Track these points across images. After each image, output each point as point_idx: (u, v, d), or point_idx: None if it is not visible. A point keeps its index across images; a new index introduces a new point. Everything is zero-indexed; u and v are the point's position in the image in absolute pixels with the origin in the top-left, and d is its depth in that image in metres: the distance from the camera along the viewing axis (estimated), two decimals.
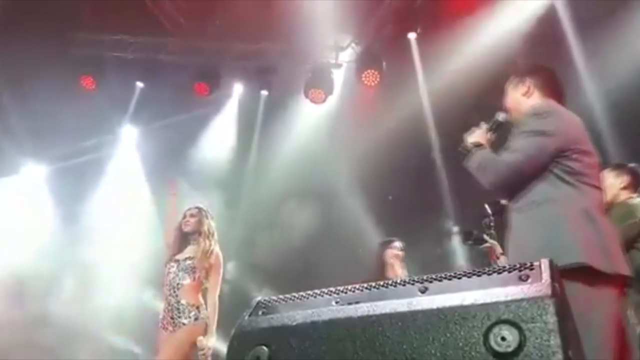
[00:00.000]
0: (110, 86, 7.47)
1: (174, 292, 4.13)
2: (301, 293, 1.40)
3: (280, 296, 1.42)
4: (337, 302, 1.26)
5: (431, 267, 5.81)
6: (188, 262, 4.20)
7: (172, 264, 4.26)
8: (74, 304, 7.01)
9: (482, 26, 6.45)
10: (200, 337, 3.99)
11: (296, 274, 6.61)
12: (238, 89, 7.98)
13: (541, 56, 6.25)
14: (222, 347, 5.50)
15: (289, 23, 6.76)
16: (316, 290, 1.36)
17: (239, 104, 7.93)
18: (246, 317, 1.39)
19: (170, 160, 7.21)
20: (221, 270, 4.24)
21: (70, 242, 7.35)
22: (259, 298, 1.47)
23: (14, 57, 6.88)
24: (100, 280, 7.16)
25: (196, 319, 4.04)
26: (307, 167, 7.19)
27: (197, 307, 4.10)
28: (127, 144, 8.12)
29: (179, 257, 4.28)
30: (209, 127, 7.93)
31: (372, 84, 7.32)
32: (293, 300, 1.38)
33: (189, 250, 4.29)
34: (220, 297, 4.17)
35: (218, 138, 7.85)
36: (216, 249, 4.27)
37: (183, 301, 4.09)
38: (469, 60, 6.57)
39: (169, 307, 4.12)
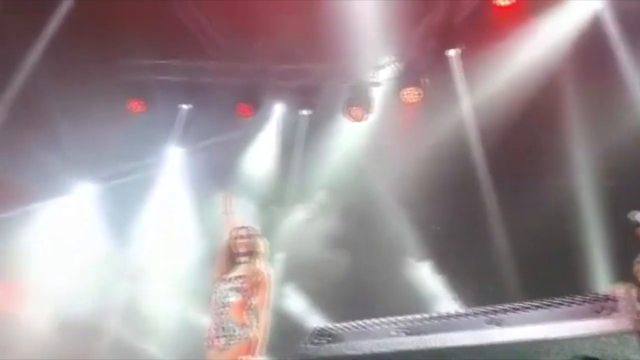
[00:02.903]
0: (157, 109, 7.70)
1: (222, 310, 4.15)
2: (364, 322, 1.41)
3: (341, 324, 1.43)
4: (402, 333, 1.26)
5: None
6: (239, 281, 4.20)
7: (221, 282, 4.28)
8: (124, 321, 7.15)
9: (524, 41, 6.38)
10: (242, 357, 3.98)
11: (341, 291, 6.58)
12: (279, 108, 8.09)
13: (585, 68, 6.13)
14: None
15: (329, 42, 6.85)
16: (380, 320, 1.36)
17: (281, 124, 8.03)
18: (307, 345, 1.40)
19: (214, 179, 7.32)
20: (271, 289, 4.22)
21: (119, 260, 7.52)
22: (316, 325, 1.48)
23: (68, 86, 7.18)
24: (148, 297, 7.29)
25: (241, 338, 4.06)
26: (349, 185, 7.20)
27: (243, 326, 4.10)
28: (173, 165, 8.29)
29: (228, 275, 4.29)
30: (252, 146, 8.04)
31: (413, 101, 7.31)
32: (355, 329, 1.39)
33: (240, 270, 4.29)
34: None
35: (261, 157, 7.95)
36: (266, 267, 4.27)
37: (231, 320, 4.10)
38: (511, 76, 6.50)
39: (216, 326, 4.14)
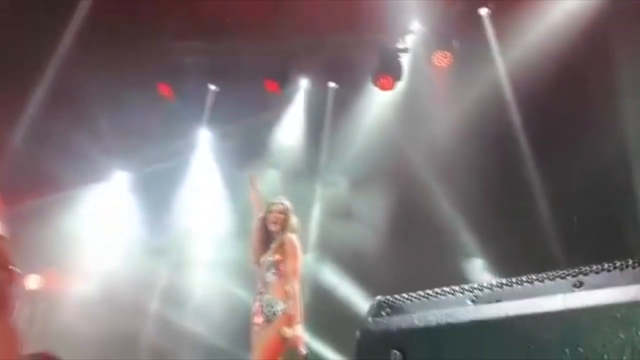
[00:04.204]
0: (186, 92, 7.70)
1: (263, 290, 4.17)
2: (432, 291, 1.33)
3: (407, 295, 1.36)
4: (473, 301, 1.18)
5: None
6: (275, 259, 4.22)
7: (260, 263, 4.29)
8: (167, 301, 7.29)
9: None
10: (284, 328, 4.00)
11: (375, 262, 6.51)
12: (306, 83, 7.97)
13: (626, 25, 5.82)
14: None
15: (353, 12, 6.66)
16: (449, 288, 1.29)
17: (309, 98, 7.92)
18: (370, 318, 1.34)
19: (245, 158, 7.32)
20: (298, 257, 4.20)
21: (158, 242, 7.64)
22: (379, 297, 1.42)
23: (100, 72, 7.24)
24: (188, 281, 7.40)
25: (283, 312, 4.05)
26: (381, 156, 7.08)
27: (284, 302, 4.11)
28: (205, 147, 8.31)
29: (265, 255, 4.30)
30: (281, 123, 7.97)
31: (443, 65, 7.11)
32: (422, 299, 1.32)
33: (275, 248, 4.31)
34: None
35: (290, 133, 7.88)
36: (295, 238, 4.27)
37: (272, 297, 4.11)
38: (546, 32, 6.22)
39: (259, 305, 4.16)
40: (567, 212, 5.85)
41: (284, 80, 7.48)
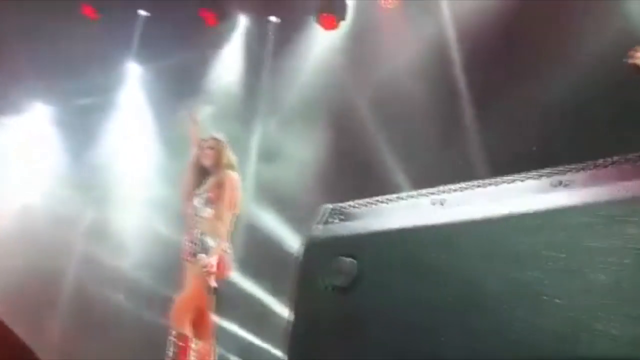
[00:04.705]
0: (112, 16, 7.10)
1: (194, 224, 4.02)
2: (394, 195, 1.17)
3: (361, 200, 1.19)
4: (436, 204, 1.03)
5: None
6: (207, 193, 4.08)
7: (191, 198, 4.14)
8: (93, 240, 6.97)
9: None
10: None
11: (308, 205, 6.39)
12: (245, 17, 7.51)
13: None
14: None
15: None
16: (414, 191, 1.13)
17: (248, 34, 7.50)
18: (319, 225, 1.17)
19: (178, 94, 6.88)
20: (236, 192, 4.11)
21: (82, 183, 7.20)
22: (329, 205, 1.24)
23: None
24: (116, 219, 7.07)
25: (215, 250, 3.99)
26: (320, 99, 6.87)
27: (217, 237, 4.01)
28: (133, 80, 7.77)
29: (198, 190, 4.15)
30: (217, 59, 7.52)
31: (390, 6, 6.90)
32: (381, 204, 1.15)
33: (208, 182, 4.16)
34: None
35: (227, 69, 7.46)
36: (232, 173, 4.13)
37: (204, 233, 3.95)
38: None
39: (190, 240, 4.02)
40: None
41: (220, 11, 7.00)
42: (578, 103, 5.56)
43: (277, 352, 5.86)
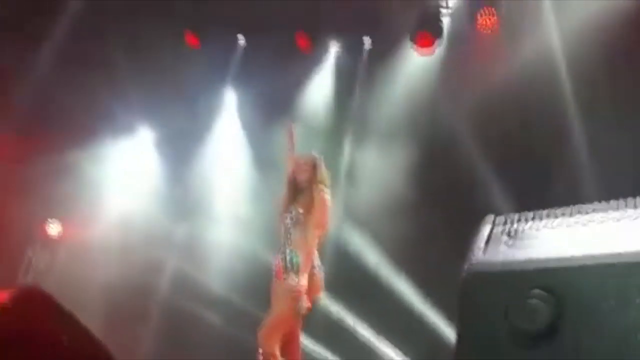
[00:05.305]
0: (212, 45, 7.41)
1: (287, 243, 3.94)
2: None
3: (534, 213, 1.00)
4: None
5: None
6: (299, 211, 4.01)
7: (286, 214, 4.09)
8: (185, 255, 7.16)
9: None
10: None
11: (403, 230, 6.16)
12: (338, 38, 7.53)
13: None
14: None
15: None
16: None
17: (341, 55, 7.52)
18: (481, 247, 0.97)
19: (272, 117, 7.00)
20: (325, 211, 4.01)
21: (177, 201, 7.46)
22: (500, 217, 1.05)
23: (123, 24, 7.03)
24: (208, 237, 7.23)
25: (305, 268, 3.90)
26: (414, 124, 6.70)
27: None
28: (230, 104, 8.02)
29: (290, 208, 4.09)
30: (310, 82, 7.60)
31: (488, 27, 6.65)
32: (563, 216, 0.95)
33: (301, 200, 4.10)
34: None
35: (320, 92, 7.52)
36: (324, 191, 4.05)
37: (292, 250, 3.92)
38: None
39: (282, 258, 3.96)
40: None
41: (314, 35, 7.10)
42: None
43: None
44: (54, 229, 7.61)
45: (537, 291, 0.90)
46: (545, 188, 5.67)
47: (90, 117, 7.29)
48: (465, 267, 1.00)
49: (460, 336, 1.00)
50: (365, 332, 5.84)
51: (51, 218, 7.60)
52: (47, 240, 7.57)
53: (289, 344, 3.95)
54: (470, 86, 6.66)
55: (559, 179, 5.84)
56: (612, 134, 5.57)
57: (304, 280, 3.87)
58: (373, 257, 6.09)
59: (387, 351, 5.89)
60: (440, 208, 6.14)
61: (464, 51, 6.90)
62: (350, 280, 5.98)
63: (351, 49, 7.44)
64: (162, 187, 7.73)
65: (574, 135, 5.90)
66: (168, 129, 7.89)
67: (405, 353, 5.82)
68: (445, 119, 6.59)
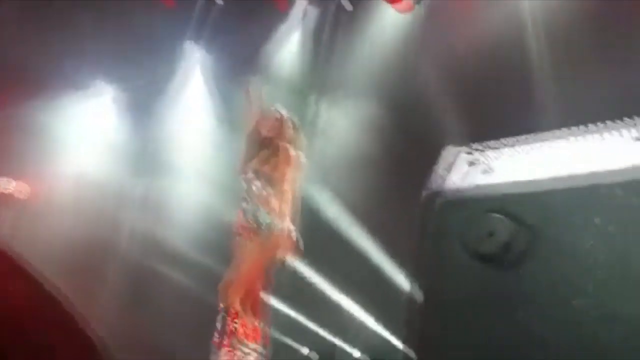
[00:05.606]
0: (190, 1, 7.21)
1: (248, 198, 3.85)
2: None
3: (498, 142, 0.97)
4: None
5: None
6: (264, 166, 3.91)
7: (246, 170, 3.98)
8: (144, 212, 7.05)
9: None
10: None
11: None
12: None
13: None
14: None
15: None
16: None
17: (314, 13, 7.33)
18: (452, 175, 0.94)
19: (241, 74, 6.81)
20: (292, 165, 3.90)
21: (139, 158, 7.33)
22: (460, 147, 1.02)
23: None
24: (169, 193, 7.12)
25: (269, 228, 3.79)
26: (383, 83, 6.58)
27: (273, 213, 3.83)
28: (196, 62, 7.82)
29: (253, 162, 3.98)
30: (281, 40, 7.40)
31: None
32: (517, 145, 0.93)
33: (265, 154, 3.98)
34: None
35: (291, 50, 7.31)
36: (295, 149, 3.94)
37: (255, 207, 3.83)
38: None
39: (244, 214, 3.88)
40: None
41: None
42: None
43: (328, 335, 5.69)
44: (10, 186, 7.41)
45: (498, 215, 0.88)
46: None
47: (50, 73, 7.03)
48: (425, 192, 0.96)
49: (418, 263, 0.96)
50: (328, 288, 5.86)
51: (7, 175, 7.36)
52: (4, 198, 7.36)
53: (252, 301, 3.91)
54: (443, 45, 6.57)
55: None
56: (579, 91, 5.59)
57: (288, 224, 3.79)
58: (335, 214, 6.06)
59: (350, 307, 5.94)
60: (407, 167, 6.10)
61: (437, 8, 6.78)
62: (313, 237, 5.94)
63: (322, 5, 7.25)
64: (125, 144, 7.55)
65: (542, 94, 5.90)
66: (133, 85, 7.70)
67: (369, 308, 5.89)
68: (416, 78, 6.50)
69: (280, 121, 4.05)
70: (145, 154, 7.37)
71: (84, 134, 7.61)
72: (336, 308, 5.92)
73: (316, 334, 5.89)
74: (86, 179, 7.19)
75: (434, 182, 0.98)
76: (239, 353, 3.70)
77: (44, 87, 7.08)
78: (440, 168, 1.01)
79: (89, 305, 5.85)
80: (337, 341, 5.77)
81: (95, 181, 7.15)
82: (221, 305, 3.82)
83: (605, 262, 0.79)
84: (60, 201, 7.09)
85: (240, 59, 7.13)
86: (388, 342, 5.53)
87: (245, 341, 3.74)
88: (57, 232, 6.73)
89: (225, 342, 3.72)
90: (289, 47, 7.34)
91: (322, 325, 5.91)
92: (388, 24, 6.91)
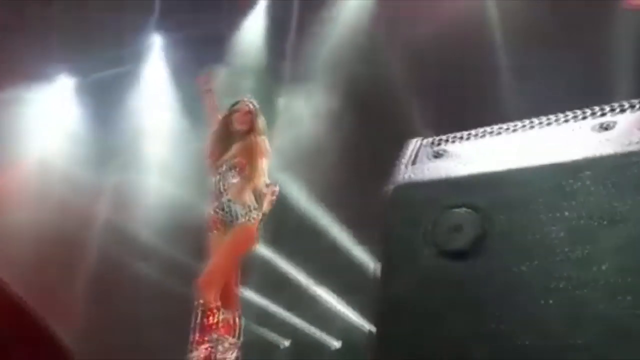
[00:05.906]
0: None
1: (223, 191, 3.81)
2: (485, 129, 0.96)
3: (460, 134, 0.98)
4: (606, 129, 0.83)
5: None
6: (235, 159, 3.86)
7: (218, 165, 3.93)
8: (114, 207, 6.92)
9: None
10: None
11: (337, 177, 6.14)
12: None
13: None
14: None
15: None
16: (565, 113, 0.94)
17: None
18: (413, 165, 0.94)
19: (201, 61, 6.70)
20: (265, 157, 3.87)
21: (101, 149, 7.18)
22: (415, 139, 1.02)
23: None
24: (136, 186, 7.00)
25: (248, 219, 3.74)
26: (346, 68, 6.57)
27: (245, 206, 3.77)
28: (156, 49, 7.62)
29: (224, 157, 3.93)
30: (242, 24, 7.28)
31: None
32: (485, 136, 0.94)
33: (236, 148, 3.94)
34: None
35: (251, 33, 7.20)
36: (263, 139, 3.92)
37: (231, 200, 3.77)
38: None
39: (217, 208, 3.82)
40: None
41: None
42: None
43: (295, 319, 5.72)
44: None
45: (461, 208, 0.88)
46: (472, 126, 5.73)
47: (10, 64, 6.83)
48: (389, 184, 0.97)
49: (383, 255, 0.97)
50: (297, 274, 5.89)
51: None
52: None
53: (226, 294, 3.88)
54: (406, 30, 6.58)
55: (492, 124, 5.91)
56: (542, 75, 5.70)
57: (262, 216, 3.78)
58: (302, 200, 6.08)
59: (320, 292, 5.99)
60: (370, 152, 6.14)
61: None
62: (280, 224, 5.95)
63: None
64: (86, 133, 7.36)
65: (507, 80, 6.00)
66: (92, 73, 7.49)
67: (336, 292, 5.95)
68: (380, 63, 6.52)
69: (252, 113, 3.99)
70: (111, 145, 7.20)
71: (45, 123, 7.38)
72: (309, 296, 5.96)
73: (290, 324, 5.92)
74: (47, 168, 7.01)
75: (396, 175, 0.98)
76: (220, 348, 3.67)
77: (4, 78, 6.82)
78: (402, 160, 1.01)
79: (51, 297, 5.75)
80: (313, 330, 5.81)
81: (58, 171, 6.97)
82: (199, 300, 3.77)
83: (570, 252, 0.81)
84: (23, 191, 6.86)
85: (203, 47, 6.99)
86: (362, 329, 5.59)
87: (225, 336, 3.72)
88: (21, 224, 6.51)
89: (204, 338, 3.68)
90: (252, 31, 7.23)
91: (297, 314, 5.95)
92: (353, 14, 6.88)
